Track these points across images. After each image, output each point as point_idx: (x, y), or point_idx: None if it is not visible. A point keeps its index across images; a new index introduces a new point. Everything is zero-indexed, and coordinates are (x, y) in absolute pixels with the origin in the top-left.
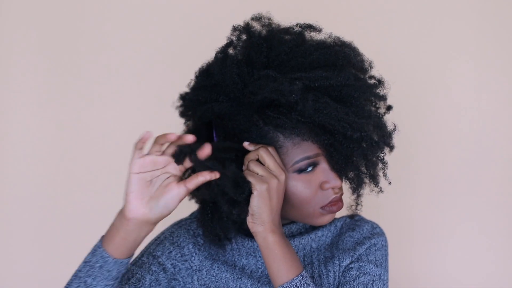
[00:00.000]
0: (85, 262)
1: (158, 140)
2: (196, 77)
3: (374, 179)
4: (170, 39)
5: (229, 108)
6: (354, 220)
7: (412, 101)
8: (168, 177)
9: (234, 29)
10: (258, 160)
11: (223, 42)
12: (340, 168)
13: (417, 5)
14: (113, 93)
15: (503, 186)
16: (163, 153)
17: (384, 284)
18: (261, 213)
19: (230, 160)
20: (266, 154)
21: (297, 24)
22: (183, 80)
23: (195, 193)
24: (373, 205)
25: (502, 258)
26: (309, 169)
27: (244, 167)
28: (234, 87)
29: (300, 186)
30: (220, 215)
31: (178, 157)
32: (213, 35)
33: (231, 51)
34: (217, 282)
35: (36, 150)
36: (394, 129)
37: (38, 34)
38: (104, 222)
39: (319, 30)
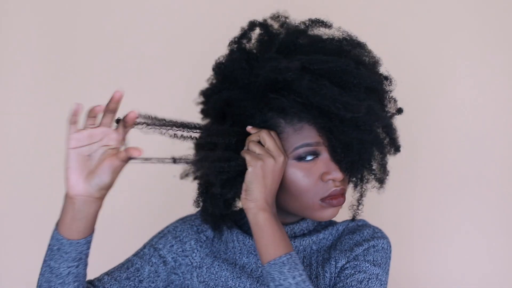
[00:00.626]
0: (48, 246)
1: (90, 113)
2: (213, 69)
3: (376, 175)
4: (170, 38)
5: (237, 94)
6: (357, 225)
7: (412, 100)
8: (106, 150)
9: (251, 23)
10: (259, 143)
11: (224, 41)
12: (340, 158)
13: (416, 4)
14: (112, 92)
15: (504, 187)
16: (99, 125)
17: (381, 285)
18: (253, 190)
19: (222, 144)
20: (267, 136)
21: (309, 20)
22: (182, 79)
23: (193, 173)
24: (373, 204)
25: (502, 258)
26: (309, 158)
27: (245, 148)
28: (241, 72)
29: (299, 174)
30: (213, 194)
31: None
32: (212, 35)
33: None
34: (216, 280)
35: (35, 149)
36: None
37: (38, 34)
38: (103, 220)
39: (330, 26)
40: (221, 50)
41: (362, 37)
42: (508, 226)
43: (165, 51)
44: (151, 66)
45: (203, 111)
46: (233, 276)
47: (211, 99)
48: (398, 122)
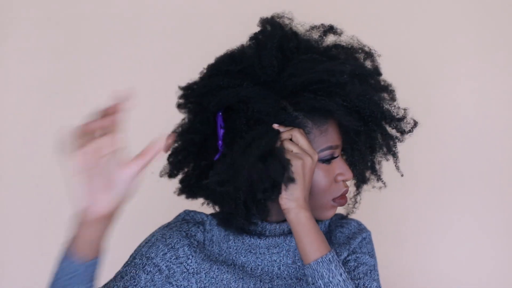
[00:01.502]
0: (55, 277)
1: (81, 134)
2: (213, 65)
3: (377, 174)
4: (170, 38)
5: (257, 92)
6: (338, 218)
7: (410, 99)
8: (110, 160)
9: (263, 21)
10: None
11: (222, 41)
12: (355, 161)
13: (415, 3)
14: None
15: (502, 185)
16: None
17: (377, 274)
18: (295, 189)
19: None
20: (300, 134)
21: (322, 24)
22: (181, 77)
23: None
24: (368, 203)
25: (499, 257)
26: (329, 160)
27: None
28: (270, 70)
29: (321, 175)
30: (251, 200)
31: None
32: (212, 35)
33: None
34: (217, 284)
35: (34, 148)
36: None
37: (38, 34)
38: None
39: (340, 33)
40: (221, 50)
41: (360, 36)
42: (507, 224)
43: (165, 51)
44: (151, 66)
45: (184, 107)
46: (235, 277)
47: (217, 95)
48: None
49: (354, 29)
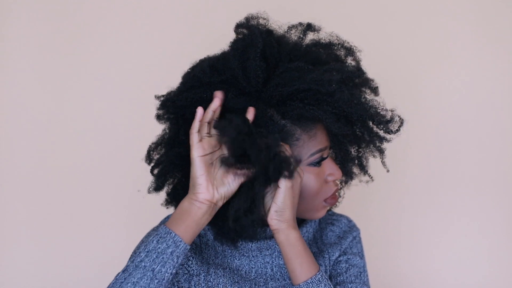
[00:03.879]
0: (149, 251)
1: (202, 124)
2: (192, 75)
3: (365, 169)
4: (170, 38)
5: (243, 103)
6: (328, 214)
7: (406, 99)
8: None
9: (238, 25)
10: None
11: (216, 42)
12: (344, 160)
13: (415, 3)
14: (111, 90)
15: (499, 185)
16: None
17: (367, 275)
18: (285, 210)
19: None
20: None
21: (299, 23)
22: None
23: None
24: (365, 204)
25: (496, 258)
26: (320, 162)
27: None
28: (255, 81)
29: (313, 179)
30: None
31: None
32: (208, 34)
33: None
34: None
35: (33, 147)
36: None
37: (37, 33)
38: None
39: (318, 30)
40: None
41: (351, 34)
42: (506, 225)
43: (166, 51)
44: (151, 66)
45: (164, 118)
46: (231, 281)
47: (203, 106)
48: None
49: (354, 29)
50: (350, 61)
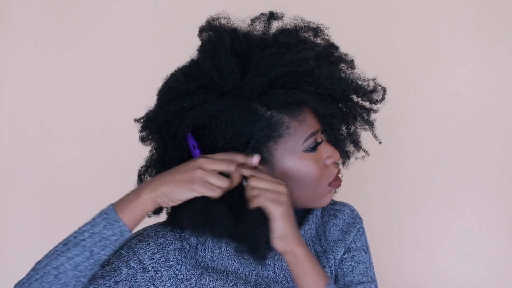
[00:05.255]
0: (93, 233)
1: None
2: (168, 88)
3: (359, 145)
4: (170, 38)
5: (225, 103)
6: (330, 204)
7: (406, 97)
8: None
9: (202, 30)
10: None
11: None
12: (337, 139)
13: (413, 2)
14: (112, 90)
15: (501, 184)
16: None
17: (372, 268)
18: (287, 233)
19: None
20: (258, 182)
21: (262, 14)
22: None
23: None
24: (367, 203)
25: (499, 256)
26: (315, 146)
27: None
28: (232, 78)
29: (311, 165)
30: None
31: None
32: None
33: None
34: None
35: (33, 147)
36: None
37: (37, 33)
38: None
39: (281, 17)
40: None
41: (351, 34)
42: (508, 223)
43: (165, 51)
44: (152, 66)
45: (148, 139)
46: (228, 285)
47: (185, 118)
48: (391, 118)
49: (354, 29)
50: (319, 40)
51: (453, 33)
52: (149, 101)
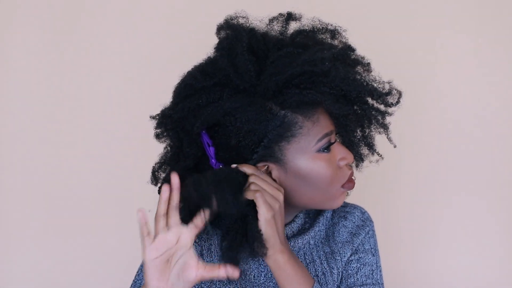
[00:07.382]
0: None
1: (158, 219)
2: (184, 85)
3: (373, 148)
4: (170, 38)
5: (240, 100)
6: (342, 206)
7: (406, 98)
8: (184, 252)
9: (219, 28)
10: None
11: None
12: (351, 142)
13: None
14: (113, 90)
15: (501, 185)
16: (169, 226)
17: (380, 271)
18: (269, 238)
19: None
20: (260, 181)
21: (280, 14)
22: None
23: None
24: (365, 204)
25: (495, 258)
26: (328, 147)
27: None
28: (248, 75)
29: (324, 166)
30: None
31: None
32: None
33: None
34: None
35: (33, 147)
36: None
37: (37, 33)
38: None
39: (299, 18)
40: None
41: (359, 32)
42: (508, 225)
43: (166, 51)
44: (151, 66)
45: (163, 136)
46: (237, 287)
47: (200, 114)
48: (390, 118)
49: (353, 27)
50: (337, 42)
51: (455, 34)
52: (149, 101)
